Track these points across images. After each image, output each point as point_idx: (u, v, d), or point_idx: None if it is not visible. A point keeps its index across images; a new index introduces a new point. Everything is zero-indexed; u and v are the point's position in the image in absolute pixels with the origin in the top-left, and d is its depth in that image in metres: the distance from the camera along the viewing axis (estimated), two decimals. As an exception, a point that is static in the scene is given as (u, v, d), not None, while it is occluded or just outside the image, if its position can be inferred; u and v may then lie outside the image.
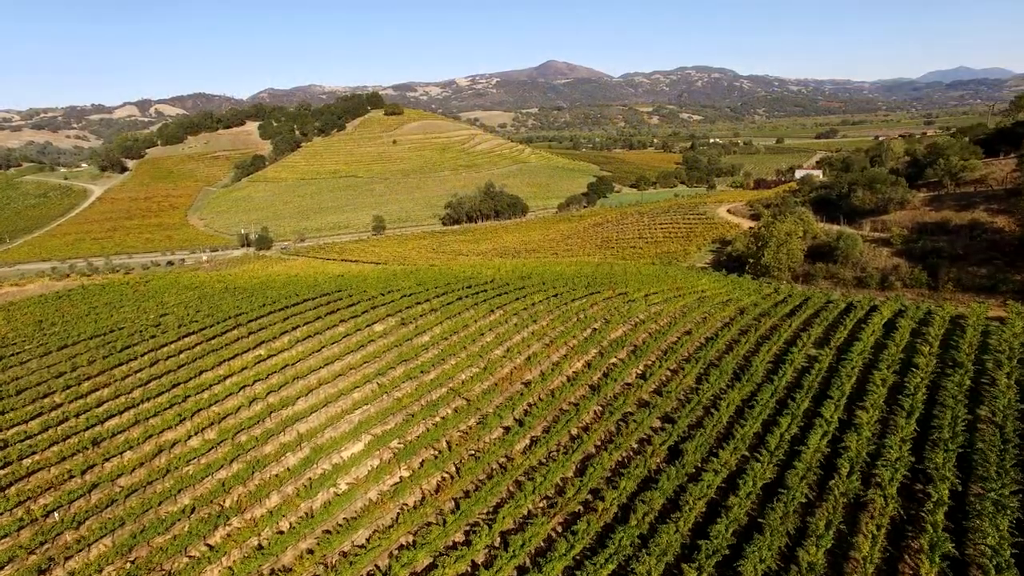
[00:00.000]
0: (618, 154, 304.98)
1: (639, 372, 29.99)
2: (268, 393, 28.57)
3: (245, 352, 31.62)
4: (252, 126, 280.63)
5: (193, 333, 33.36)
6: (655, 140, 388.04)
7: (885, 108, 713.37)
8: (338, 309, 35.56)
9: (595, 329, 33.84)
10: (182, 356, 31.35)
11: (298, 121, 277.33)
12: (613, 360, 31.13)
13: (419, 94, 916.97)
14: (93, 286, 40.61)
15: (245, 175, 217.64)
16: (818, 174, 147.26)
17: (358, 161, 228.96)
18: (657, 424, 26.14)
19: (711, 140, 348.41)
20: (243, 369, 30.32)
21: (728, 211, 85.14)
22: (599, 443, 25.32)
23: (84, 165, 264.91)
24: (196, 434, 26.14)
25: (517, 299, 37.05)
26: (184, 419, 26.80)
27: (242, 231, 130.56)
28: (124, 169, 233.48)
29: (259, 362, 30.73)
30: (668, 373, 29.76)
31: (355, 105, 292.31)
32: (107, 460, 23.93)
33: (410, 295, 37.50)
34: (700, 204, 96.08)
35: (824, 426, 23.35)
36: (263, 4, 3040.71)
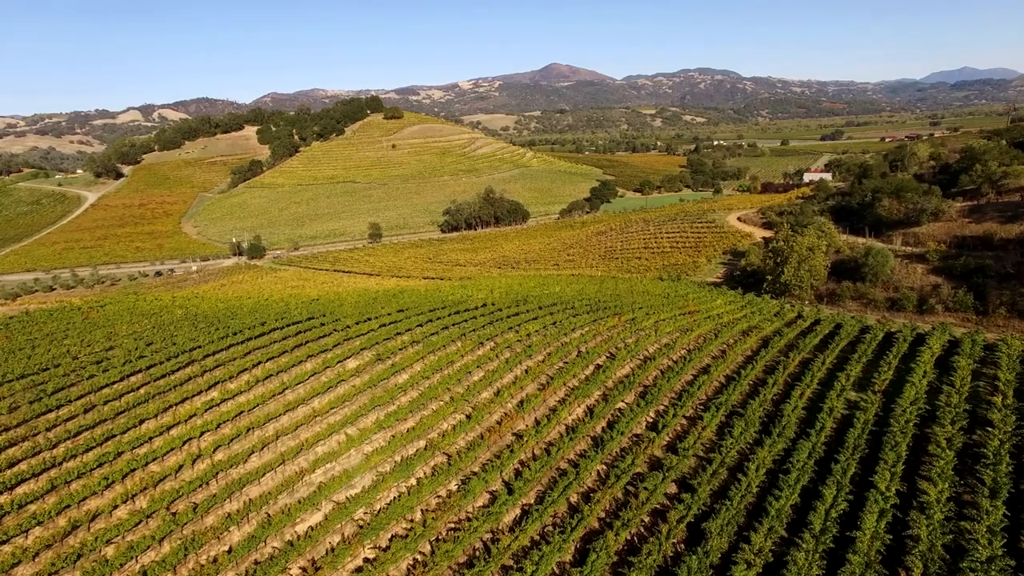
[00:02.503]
0: (621, 157, 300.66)
1: (649, 421, 25.68)
2: (216, 448, 24.39)
3: (196, 395, 27.45)
4: (251, 131, 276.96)
5: (140, 371, 29.17)
6: (658, 143, 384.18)
7: (889, 109, 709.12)
8: (307, 341, 31.36)
9: (598, 366, 29.55)
10: (123, 400, 27.16)
11: (297, 126, 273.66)
12: (619, 405, 26.83)
13: (422, 97, 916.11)
14: (40, 312, 36.59)
15: (242, 181, 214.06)
16: (828, 177, 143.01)
17: (356, 166, 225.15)
18: (673, 490, 21.85)
19: (715, 142, 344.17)
20: (191, 417, 26.11)
21: (738, 219, 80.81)
22: (603, 516, 21.05)
23: (80, 171, 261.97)
24: (124, 502, 21.95)
25: (510, 328, 32.79)
26: (112, 483, 22.61)
27: (234, 239, 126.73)
28: (120, 175, 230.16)
29: (210, 408, 26.55)
30: (684, 422, 25.46)
31: (354, 109, 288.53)
32: (3, 543, 19.73)
33: (390, 324, 33.27)
34: (708, 211, 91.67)
35: (880, 502, 19.01)
36: (266, 8, 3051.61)
